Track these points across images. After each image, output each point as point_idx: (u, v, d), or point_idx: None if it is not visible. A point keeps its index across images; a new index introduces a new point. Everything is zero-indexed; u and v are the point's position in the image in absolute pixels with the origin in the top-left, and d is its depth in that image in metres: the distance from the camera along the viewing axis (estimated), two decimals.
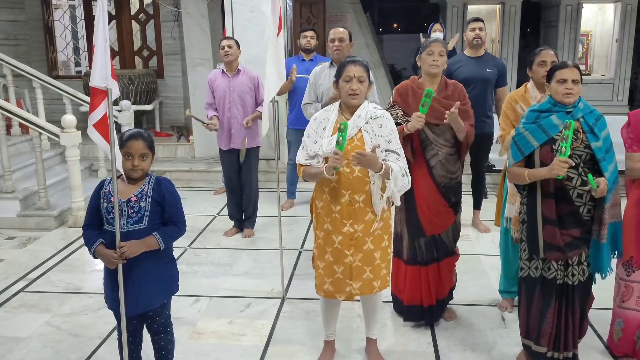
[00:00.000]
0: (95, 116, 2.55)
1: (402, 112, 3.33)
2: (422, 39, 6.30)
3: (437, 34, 6.67)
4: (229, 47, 4.86)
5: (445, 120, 3.20)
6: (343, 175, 2.82)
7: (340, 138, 2.69)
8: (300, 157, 2.93)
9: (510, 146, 2.96)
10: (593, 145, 2.76)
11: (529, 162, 2.88)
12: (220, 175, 6.22)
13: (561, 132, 2.72)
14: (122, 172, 2.60)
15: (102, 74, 2.48)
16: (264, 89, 4.23)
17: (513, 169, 2.92)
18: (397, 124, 3.13)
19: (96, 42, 2.48)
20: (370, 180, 2.84)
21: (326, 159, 2.80)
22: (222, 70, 4.99)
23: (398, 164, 2.85)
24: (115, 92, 2.54)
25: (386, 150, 2.86)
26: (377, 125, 2.85)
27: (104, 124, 2.55)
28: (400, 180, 2.86)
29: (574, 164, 2.72)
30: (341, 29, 4.66)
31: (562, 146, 2.66)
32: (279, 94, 5.32)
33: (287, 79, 5.37)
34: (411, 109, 3.30)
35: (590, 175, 2.67)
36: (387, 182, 2.84)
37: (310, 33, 5.63)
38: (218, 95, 4.97)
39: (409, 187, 2.93)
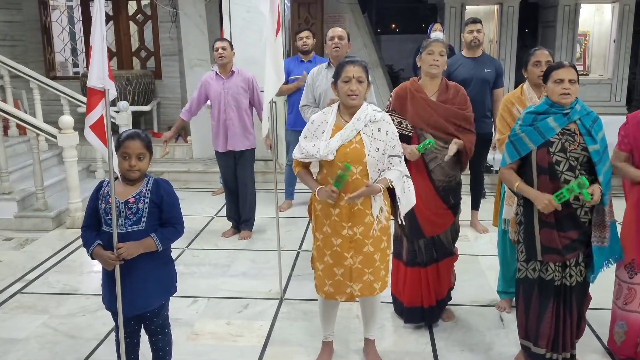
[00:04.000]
0: (92, 117, 2.54)
1: (398, 120, 3.31)
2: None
3: (437, 33, 6.67)
4: (223, 49, 4.83)
5: (445, 158, 3.21)
6: None
7: (341, 177, 2.71)
8: (297, 153, 2.93)
9: (505, 145, 2.94)
10: (590, 148, 2.75)
11: (525, 162, 2.87)
12: (218, 176, 6.22)
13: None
14: (118, 173, 2.59)
15: (100, 74, 2.48)
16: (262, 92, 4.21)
17: (506, 171, 2.91)
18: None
19: (93, 42, 2.48)
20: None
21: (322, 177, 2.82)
22: (216, 72, 4.97)
23: (399, 168, 2.87)
24: (112, 92, 2.54)
25: (389, 156, 2.86)
26: (376, 129, 2.84)
27: (101, 125, 2.54)
28: (401, 182, 2.88)
29: (560, 210, 2.70)
30: (340, 29, 4.66)
31: (562, 193, 2.64)
32: (280, 94, 5.31)
33: (288, 82, 5.38)
34: (409, 114, 3.29)
35: (584, 190, 2.64)
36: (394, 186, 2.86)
37: (305, 33, 5.58)
38: (212, 98, 4.95)
39: (412, 188, 2.94)
